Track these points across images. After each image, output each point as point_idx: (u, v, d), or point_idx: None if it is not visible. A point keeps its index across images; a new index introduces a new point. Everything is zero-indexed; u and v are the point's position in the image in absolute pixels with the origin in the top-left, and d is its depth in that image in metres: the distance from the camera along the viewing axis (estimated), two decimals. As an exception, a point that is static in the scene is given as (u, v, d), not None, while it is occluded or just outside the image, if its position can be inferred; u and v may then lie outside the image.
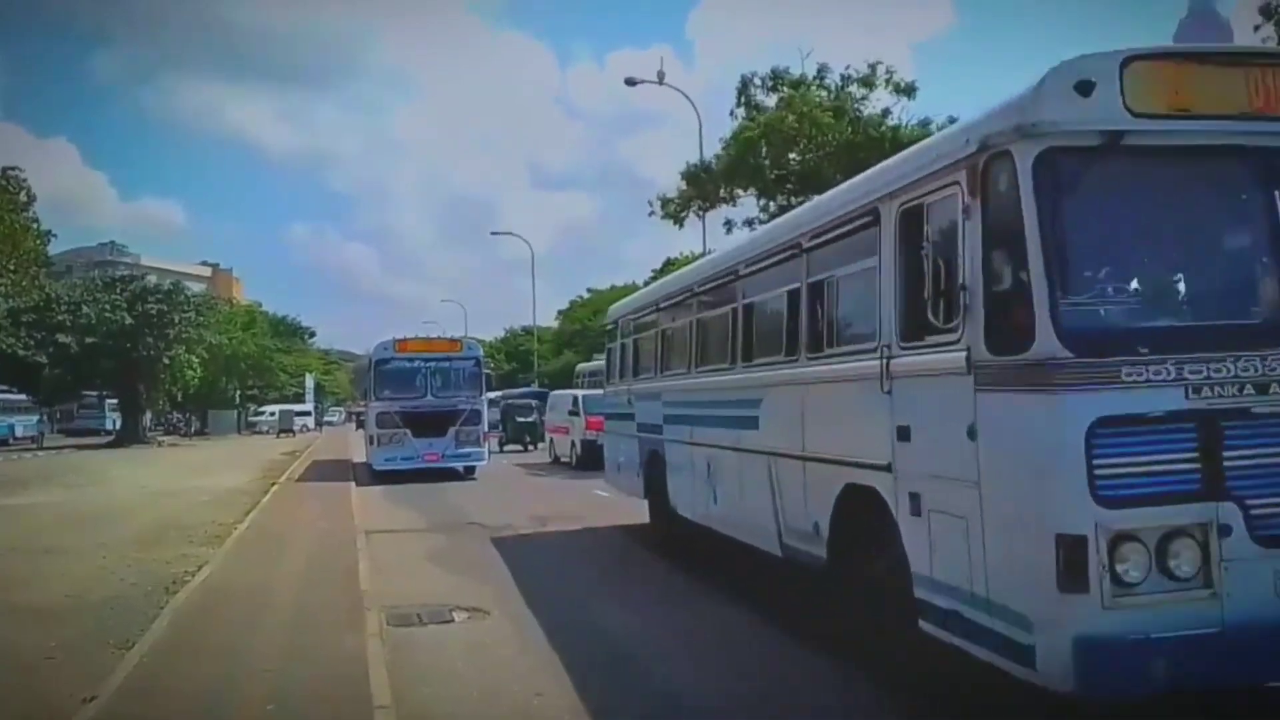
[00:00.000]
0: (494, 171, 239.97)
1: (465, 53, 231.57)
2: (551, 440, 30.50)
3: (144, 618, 8.54)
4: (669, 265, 58.29)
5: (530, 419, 36.20)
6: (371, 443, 24.83)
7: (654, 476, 12.32)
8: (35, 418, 51.87)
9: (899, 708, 6.07)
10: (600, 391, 26.91)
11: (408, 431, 24.01)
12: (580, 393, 27.83)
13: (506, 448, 35.96)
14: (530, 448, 35.37)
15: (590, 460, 22.98)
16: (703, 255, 39.17)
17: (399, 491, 21.22)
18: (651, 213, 32.63)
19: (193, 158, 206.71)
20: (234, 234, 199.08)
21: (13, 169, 42.32)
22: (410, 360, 24.96)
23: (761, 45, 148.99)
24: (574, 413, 26.95)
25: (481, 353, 27.14)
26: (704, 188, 30.97)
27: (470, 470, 24.85)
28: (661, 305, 12.48)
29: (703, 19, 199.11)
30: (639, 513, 13.65)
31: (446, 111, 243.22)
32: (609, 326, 15.63)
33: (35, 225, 42.18)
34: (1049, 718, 5.27)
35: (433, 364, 24.89)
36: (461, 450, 24.42)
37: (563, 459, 28.48)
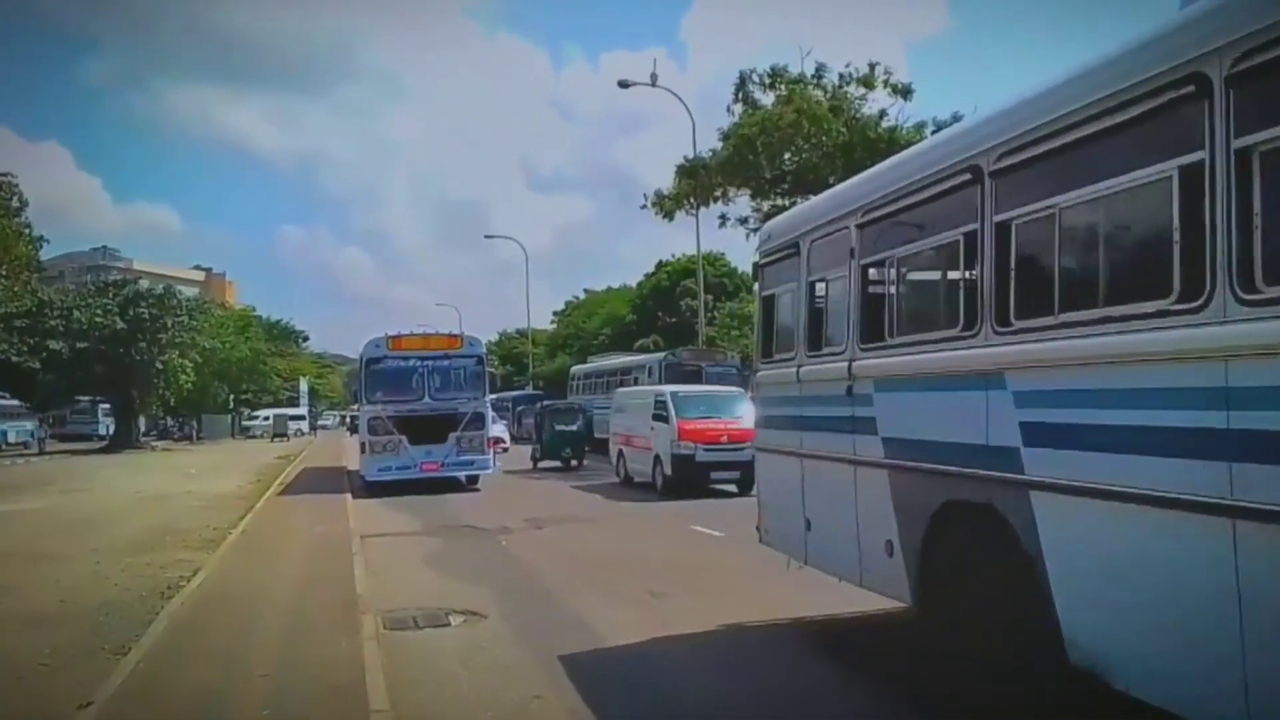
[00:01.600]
0: (488, 174, 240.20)
1: (459, 56, 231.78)
2: (621, 455, 23.37)
3: (139, 623, 8.51)
4: (661, 267, 58.49)
5: (574, 427, 29.08)
6: (363, 451, 22.22)
7: (971, 570, 5.64)
8: (29, 424, 51.69)
9: None
10: (674, 389, 21.90)
11: (403, 438, 21.48)
12: (669, 389, 22.00)
13: (542, 463, 28.89)
14: (574, 464, 28.46)
15: (685, 484, 19.50)
16: (696, 255, 39.86)
17: (398, 501, 20.98)
18: (644, 205, 32.66)
19: (187, 162, 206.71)
20: (228, 238, 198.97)
21: (4, 174, 42.35)
22: (405, 359, 22.41)
23: (755, 47, 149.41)
24: (661, 417, 20.52)
25: (484, 349, 24.37)
26: (699, 183, 31.04)
27: (473, 480, 22.51)
28: (1018, 156, 5.22)
29: (697, 21, 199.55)
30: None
31: (441, 115, 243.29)
32: (766, 259, 8.96)
33: (27, 230, 42.17)
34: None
35: (430, 362, 22.30)
36: (463, 458, 21.97)
37: (638, 479, 22.06)
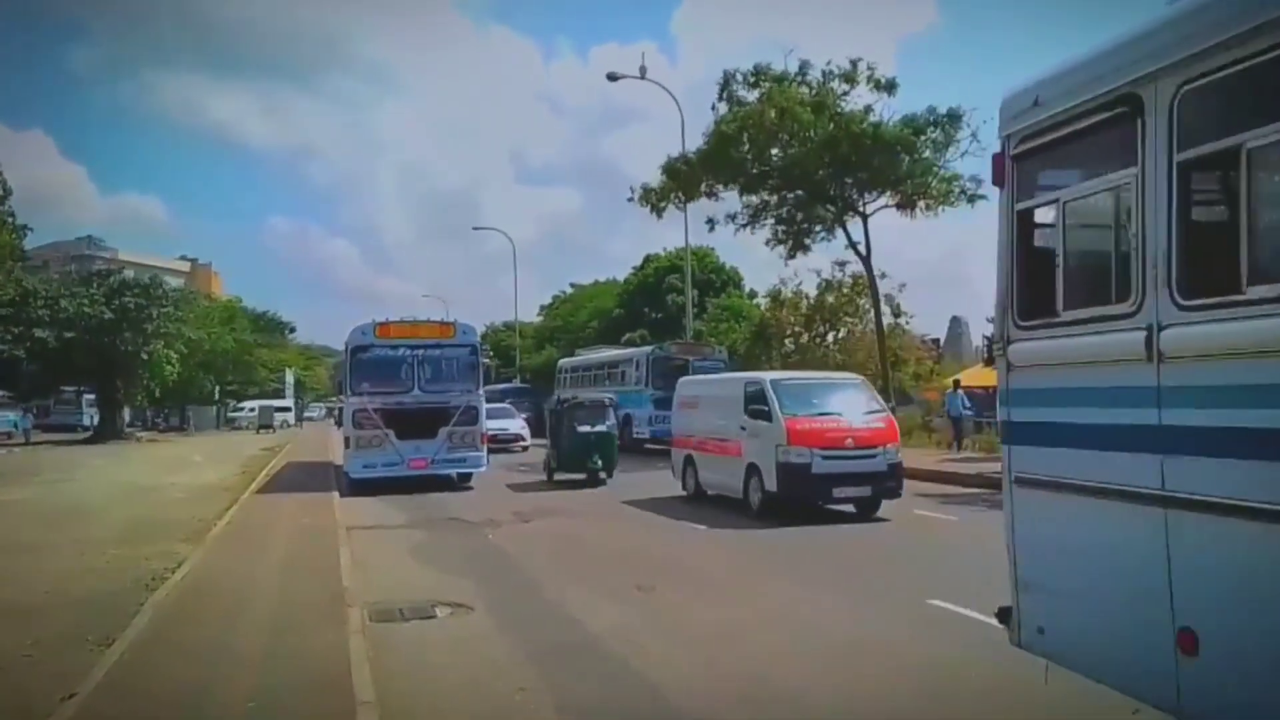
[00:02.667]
0: (477, 166, 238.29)
1: (449, 48, 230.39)
2: (690, 462, 17.97)
3: (124, 615, 8.48)
4: (649, 262, 58.50)
5: (604, 428, 21.44)
6: (347, 445, 20.74)
7: None
8: (12, 414, 51.28)
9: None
10: (774, 375, 17.65)
11: (390, 433, 20.01)
12: (768, 375, 17.44)
13: (558, 475, 21.69)
14: (603, 478, 20.98)
15: (796, 502, 14.89)
16: (684, 250, 39.94)
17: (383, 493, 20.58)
18: (631, 199, 32.67)
19: (174, 152, 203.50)
20: (214, 229, 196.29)
21: (-13, 162, 41.87)
22: (394, 347, 20.95)
23: (747, 41, 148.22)
24: (760, 413, 15.42)
25: (478, 338, 22.53)
26: (684, 180, 31.08)
27: (465, 478, 21.03)
28: None
29: (688, 15, 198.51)
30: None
31: (430, 106, 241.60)
32: (1029, 141, 5.14)
33: (11, 219, 41.74)
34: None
35: (420, 352, 20.86)
36: (455, 455, 20.48)
37: (713, 492, 17.19)
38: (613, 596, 9.73)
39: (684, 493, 18.08)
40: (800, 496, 14.93)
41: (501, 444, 30.43)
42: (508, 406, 35.44)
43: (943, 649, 7.39)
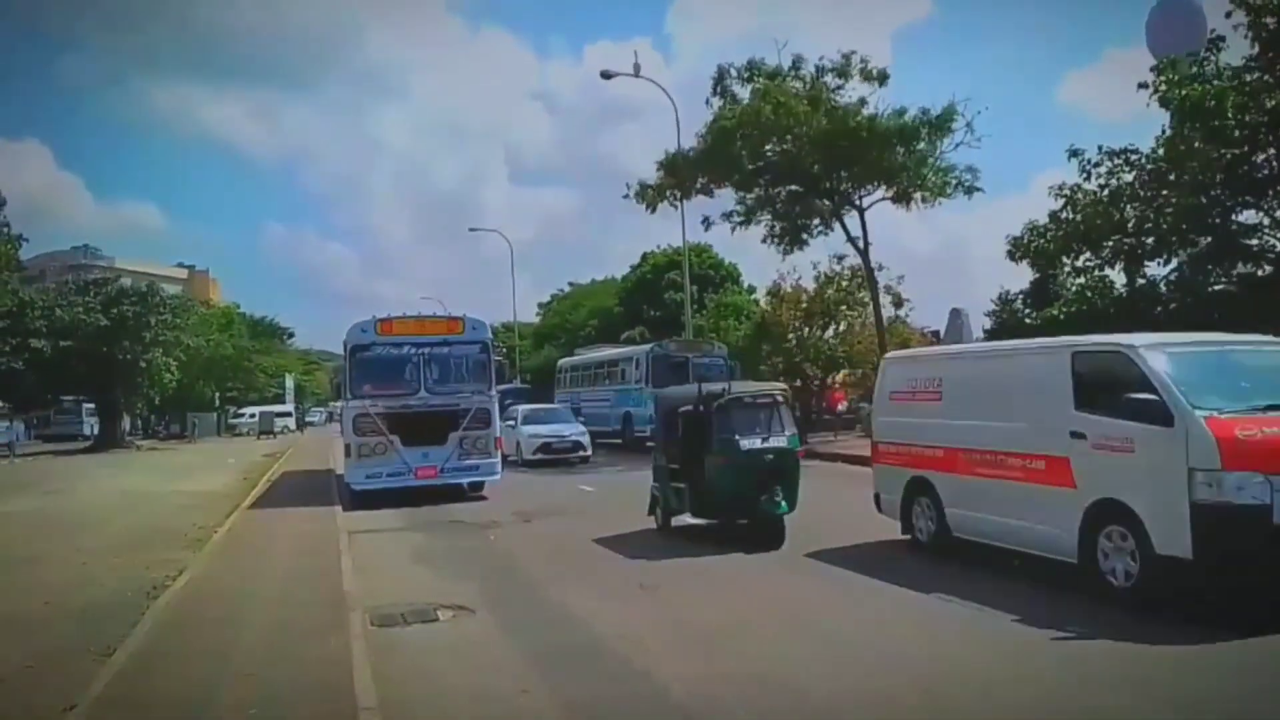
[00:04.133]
0: (472, 168, 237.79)
1: (442, 49, 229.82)
2: (926, 490, 11.12)
3: (125, 624, 8.46)
4: (647, 259, 58.48)
5: (784, 441, 12.52)
6: (348, 454, 18.80)
7: None
8: (6, 424, 51.19)
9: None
10: (1144, 339, 8.98)
11: (395, 439, 18.36)
12: (1138, 339, 9.00)
13: (679, 519, 13.54)
14: (772, 540, 12.04)
15: (1215, 581, 7.79)
16: (682, 247, 39.82)
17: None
18: (627, 195, 32.61)
19: (169, 159, 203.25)
20: (212, 236, 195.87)
21: (-18, 173, 41.77)
22: (397, 345, 19.25)
23: (741, 35, 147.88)
24: (1138, 410, 8.14)
25: (490, 334, 20.90)
26: (681, 177, 31.04)
27: (477, 487, 19.59)
28: None
29: (682, 10, 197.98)
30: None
31: (424, 109, 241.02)
32: None
33: (6, 229, 41.74)
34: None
35: (426, 350, 19.14)
36: (466, 462, 18.84)
37: (962, 535, 10.59)
38: (614, 595, 9.66)
39: (904, 538, 11.59)
40: (1249, 567, 7.64)
41: (557, 454, 26.69)
42: (563, 409, 31.37)
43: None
